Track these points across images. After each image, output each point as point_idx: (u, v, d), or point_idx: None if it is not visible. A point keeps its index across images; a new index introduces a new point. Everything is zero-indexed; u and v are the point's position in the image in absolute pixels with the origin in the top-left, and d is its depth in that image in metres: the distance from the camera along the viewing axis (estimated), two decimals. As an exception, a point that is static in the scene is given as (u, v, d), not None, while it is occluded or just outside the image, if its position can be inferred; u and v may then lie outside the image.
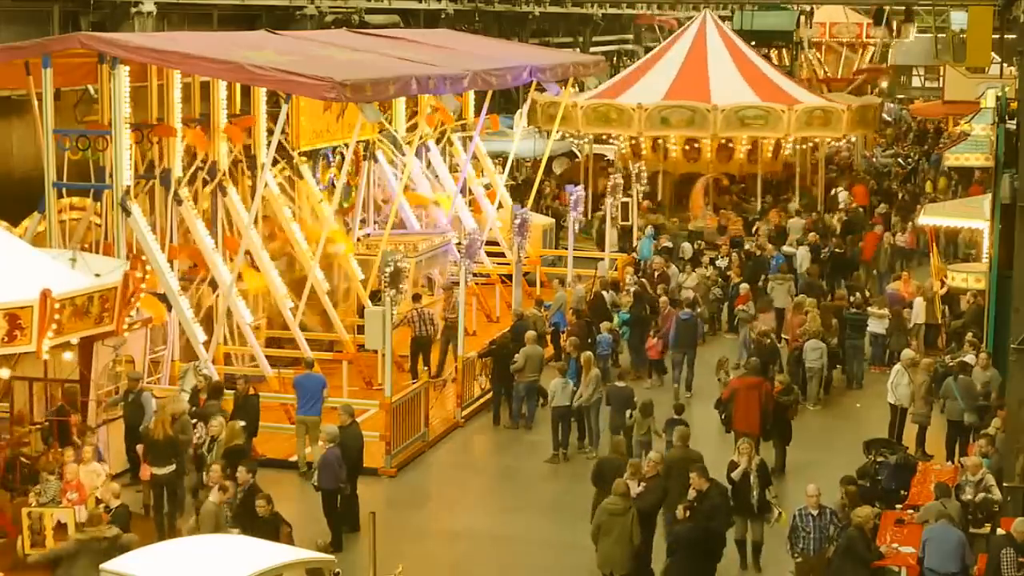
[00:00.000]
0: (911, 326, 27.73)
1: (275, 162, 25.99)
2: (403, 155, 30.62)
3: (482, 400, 24.88)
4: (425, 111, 31.21)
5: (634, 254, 33.56)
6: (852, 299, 27.58)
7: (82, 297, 17.53)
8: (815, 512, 16.26)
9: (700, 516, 16.35)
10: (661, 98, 39.25)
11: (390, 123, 30.55)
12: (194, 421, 19.55)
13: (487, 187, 34.59)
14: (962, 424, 21.59)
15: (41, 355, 17.40)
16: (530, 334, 24.11)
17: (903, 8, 59.80)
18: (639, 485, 17.09)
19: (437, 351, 26.09)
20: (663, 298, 27.17)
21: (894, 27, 62.22)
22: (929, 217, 30.83)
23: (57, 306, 16.91)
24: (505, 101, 47.26)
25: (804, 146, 41.23)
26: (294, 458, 21.28)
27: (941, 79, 62.01)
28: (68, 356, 18.84)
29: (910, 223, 36.52)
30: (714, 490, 16.88)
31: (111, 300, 17.94)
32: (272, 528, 15.89)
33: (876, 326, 27.15)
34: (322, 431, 19.01)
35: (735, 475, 17.59)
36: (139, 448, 19.36)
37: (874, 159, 51.56)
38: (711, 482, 16.94)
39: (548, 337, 26.80)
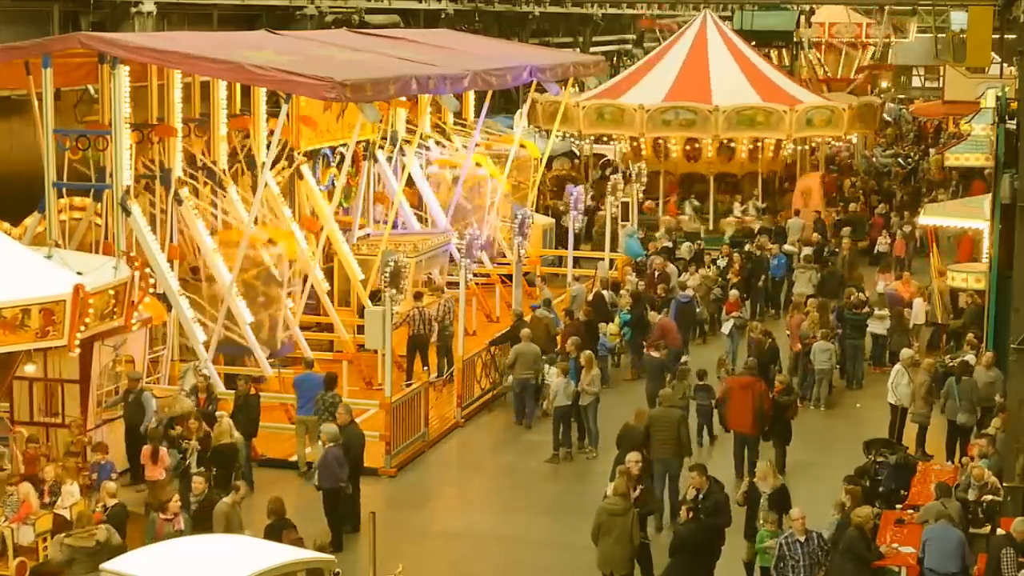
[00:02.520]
0: (911, 326, 27.71)
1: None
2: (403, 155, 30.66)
3: (482, 400, 24.90)
4: (425, 112, 31.17)
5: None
6: (851, 299, 27.57)
7: (12, 309, 16.19)
8: (802, 539, 15.63)
9: (704, 514, 16.34)
10: (662, 99, 39.02)
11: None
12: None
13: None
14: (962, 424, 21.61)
15: None
16: (525, 332, 24.10)
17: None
18: (635, 490, 17.01)
19: (434, 352, 26.07)
20: (651, 311, 27.09)
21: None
22: (929, 217, 30.82)
23: None
24: (505, 101, 47.24)
25: (804, 146, 41.48)
26: (294, 458, 21.28)
27: (941, 79, 62.05)
28: (30, 368, 18.53)
29: (900, 229, 36.52)
30: (715, 487, 16.89)
31: (58, 314, 16.48)
32: (276, 532, 15.84)
33: (876, 327, 27.13)
34: (322, 430, 18.99)
35: (737, 499, 17.40)
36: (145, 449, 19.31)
37: (874, 159, 51.58)
38: (710, 479, 16.93)
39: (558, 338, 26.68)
